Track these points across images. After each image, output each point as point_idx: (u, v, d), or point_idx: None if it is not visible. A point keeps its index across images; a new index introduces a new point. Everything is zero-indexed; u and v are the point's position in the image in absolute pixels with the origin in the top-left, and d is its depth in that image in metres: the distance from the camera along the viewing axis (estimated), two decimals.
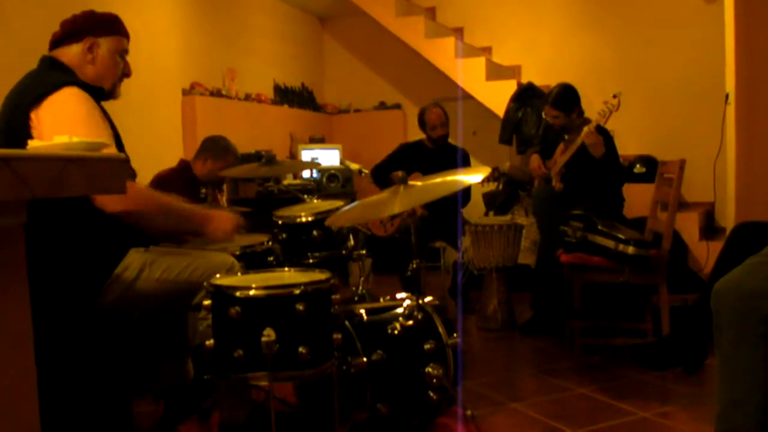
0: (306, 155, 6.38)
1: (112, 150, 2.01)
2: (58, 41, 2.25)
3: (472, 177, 2.28)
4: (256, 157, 5.36)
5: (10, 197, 1.22)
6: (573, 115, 4.02)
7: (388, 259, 4.50)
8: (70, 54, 2.23)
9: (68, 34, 2.24)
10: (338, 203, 2.83)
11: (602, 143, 3.79)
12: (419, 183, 2.31)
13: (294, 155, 6.37)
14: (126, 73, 2.36)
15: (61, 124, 1.98)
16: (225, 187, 3.89)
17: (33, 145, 1.35)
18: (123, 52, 2.33)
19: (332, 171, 6.11)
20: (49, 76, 2.12)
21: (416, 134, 5.47)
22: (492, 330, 4.22)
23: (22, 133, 2.01)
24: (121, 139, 2.24)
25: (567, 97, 4.04)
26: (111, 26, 2.30)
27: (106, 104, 2.28)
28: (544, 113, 4.18)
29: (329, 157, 6.53)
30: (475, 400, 2.95)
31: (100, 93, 2.25)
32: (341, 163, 6.29)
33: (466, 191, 4.76)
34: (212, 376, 2.06)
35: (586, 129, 3.78)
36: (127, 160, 1.43)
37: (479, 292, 4.44)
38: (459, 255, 4.39)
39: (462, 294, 4.65)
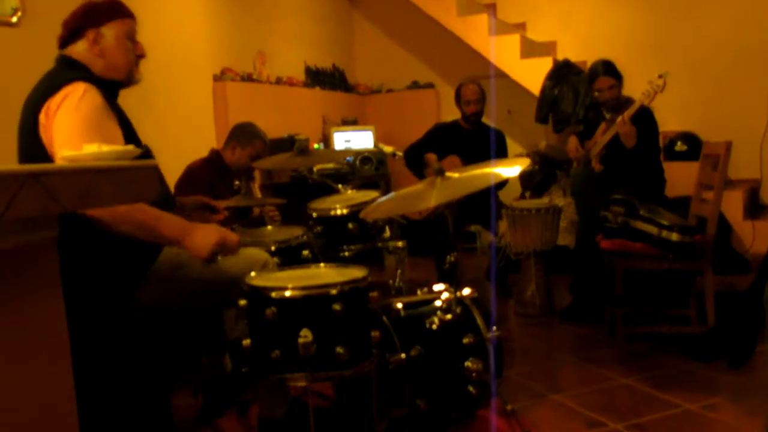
0: (338, 138, 6.33)
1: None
2: (64, 42, 2.20)
3: (510, 169, 2.21)
4: (288, 141, 5.34)
5: (41, 212, 1.20)
6: (621, 91, 3.95)
7: (423, 242, 4.44)
8: (79, 51, 2.17)
9: (71, 32, 2.18)
10: (373, 194, 2.79)
11: (635, 134, 3.70)
12: (456, 175, 2.25)
13: (326, 138, 6.32)
14: (140, 55, 2.26)
15: (63, 120, 1.95)
16: (257, 174, 3.85)
17: (63, 155, 1.33)
18: (131, 34, 2.23)
19: (366, 154, 6.05)
20: (62, 74, 2.08)
21: (450, 113, 5.38)
22: (530, 316, 4.15)
23: (34, 138, 2.00)
24: (136, 133, 2.19)
25: (614, 65, 4.01)
26: (111, 11, 2.20)
27: (132, 99, 2.25)
28: (597, 87, 4.04)
29: (362, 139, 6.47)
30: (514, 391, 2.90)
31: (117, 85, 2.21)
32: (375, 145, 6.23)
33: None
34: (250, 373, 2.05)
35: (620, 118, 3.68)
36: (156, 167, 1.39)
37: (517, 275, 4.37)
38: (493, 239, 4.31)
39: (499, 278, 4.59)
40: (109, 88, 2.12)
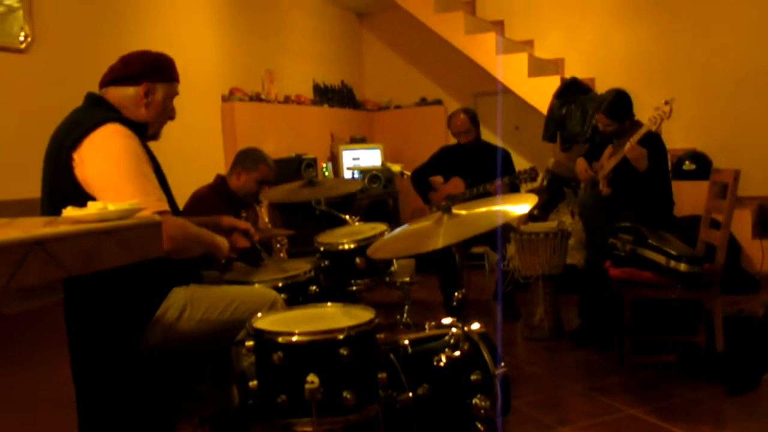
0: (347, 156, 6.34)
1: (160, 203, 1.99)
2: (113, 80, 2.21)
3: (519, 207, 2.20)
4: (295, 161, 5.35)
5: (46, 279, 1.20)
6: (626, 123, 3.88)
7: (429, 258, 4.41)
8: (123, 95, 2.19)
9: (125, 76, 2.20)
10: (381, 227, 2.78)
11: (645, 157, 3.67)
12: (464, 212, 2.24)
13: (335, 156, 6.33)
14: (171, 117, 2.34)
15: (104, 164, 1.96)
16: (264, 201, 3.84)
17: (67, 214, 1.32)
18: (174, 97, 2.32)
19: (374, 172, 6.07)
20: (91, 115, 2.09)
21: None
22: (538, 340, 4.13)
23: (66, 174, 1.99)
24: (163, 173, 2.21)
25: (621, 105, 3.89)
26: (170, 73, 2.29)
27: None
28: (595, 120, 4.05)
29: (370, 157, 6.48)
30: (522, 422, 2.89)
31: (143, 131, 2.22)
32: (383, 164, 6.23)
33: (514, 190, 4.68)
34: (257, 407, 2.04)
35: (628, 144, 3.66)
36: (160, 223, 1.40)
37: (525, 293, 4.34)
38: (500, 263, 4.30)
39: (507, 299, 4.56)
40: (137, 131, 2.12)
